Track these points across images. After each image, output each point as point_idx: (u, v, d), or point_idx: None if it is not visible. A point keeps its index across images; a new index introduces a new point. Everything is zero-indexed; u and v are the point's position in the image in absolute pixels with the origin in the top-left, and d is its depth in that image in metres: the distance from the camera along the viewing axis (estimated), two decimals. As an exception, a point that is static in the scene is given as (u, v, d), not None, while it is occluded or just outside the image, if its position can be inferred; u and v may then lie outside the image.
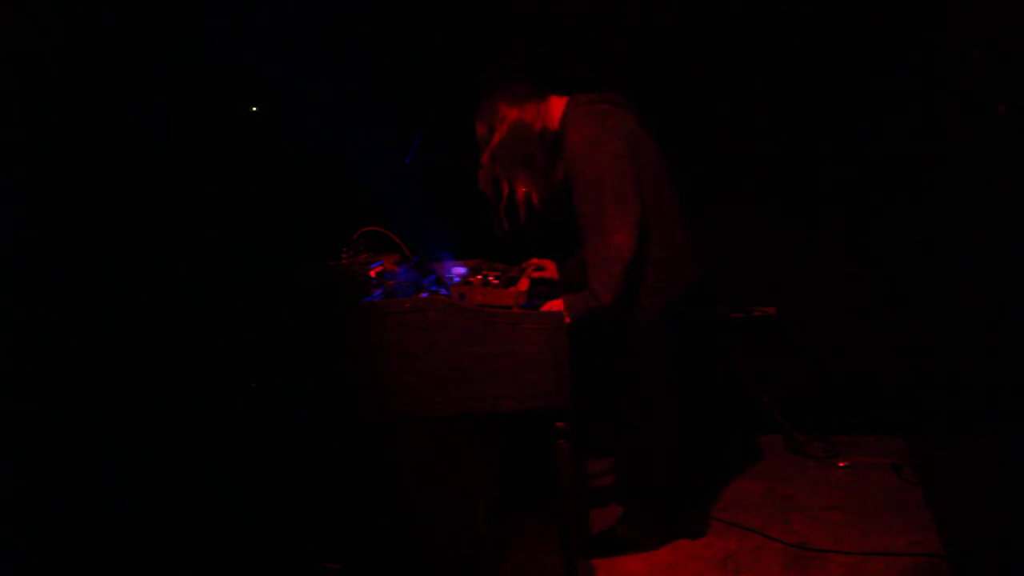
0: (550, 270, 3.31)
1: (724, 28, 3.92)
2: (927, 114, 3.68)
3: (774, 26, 3.87)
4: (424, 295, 2.86)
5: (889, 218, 3.88)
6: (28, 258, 2.66)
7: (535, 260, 3.32)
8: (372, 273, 2.91)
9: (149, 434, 2.96)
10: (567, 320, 2.72)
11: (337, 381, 2.73)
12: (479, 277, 3.07)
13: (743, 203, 4.04)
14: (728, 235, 4.03)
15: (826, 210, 3.97)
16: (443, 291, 3.01)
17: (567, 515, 2.81)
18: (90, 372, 2.81)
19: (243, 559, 2.93)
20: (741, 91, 3.96)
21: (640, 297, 2.96)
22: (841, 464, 3.72)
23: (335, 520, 2.87)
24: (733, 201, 4.05)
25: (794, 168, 3.98)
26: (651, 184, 2.95)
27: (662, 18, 3.92)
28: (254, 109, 3.79)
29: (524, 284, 3.14)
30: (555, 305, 2.89)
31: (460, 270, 3.22)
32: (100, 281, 2.88)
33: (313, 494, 2.86)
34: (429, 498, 2.82)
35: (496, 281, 3.04)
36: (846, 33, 3.81)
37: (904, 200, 3.84)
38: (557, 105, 3.02)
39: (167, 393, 3.03)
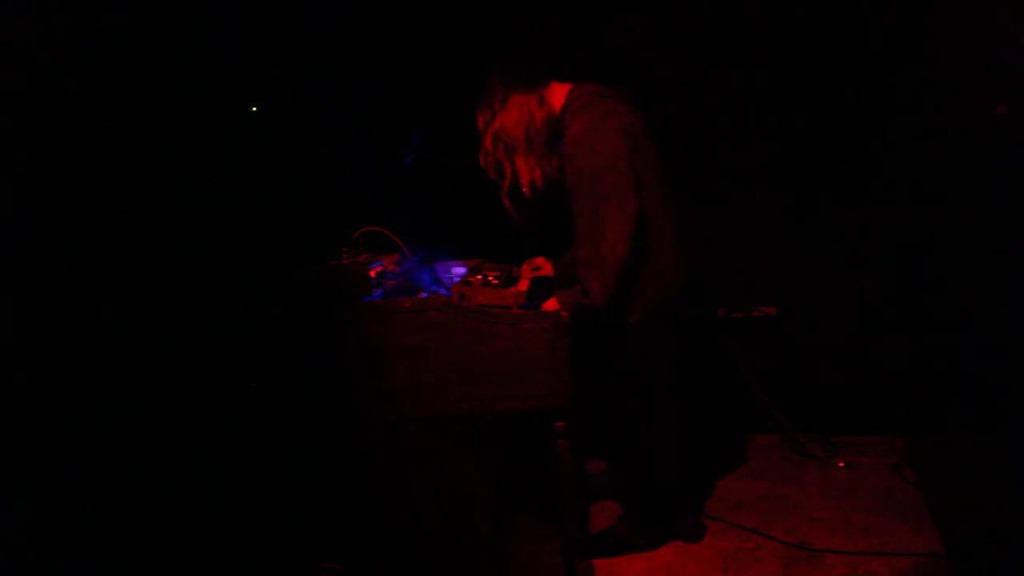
0: (546, 268, 3.31)
1: (724, 27, 3.92)
2: (927, 114, 3.68)
3: (775, 25, 3.87)
4: (424, 295, 2.86)
5: (889, 217, 3.88)
6: (28, 258, 2.66)
7: (529, 261, 3.31)
8: (372, 273, 2.91)
9: (149, 434, 2.96)
10: (565, 318, 2.71)
11: (337, 381, 2.73)
12: (479, 277, 3.07)
13: (744, 203, 4.04)
14: (728, 235, 4.03)
15: (826, 210, 3.97)
16: (443, 291, 3.00)
17: (567, 515, 2.81)
18: (90, 372, 2.81)
19: (243, 559, 2.93)
20: (741, 90, 3.96)
21: (632, 297, 2.95)
22: (841, 464, 3.72)
23: (335, 520, 2.87)
24: (733, 201, 4.05)
25: (794, 168, 3.98)
26: (648, 183, 2.95)
27: (662, 17, 3.92)
28: (254, 109, 3.79)
29: (524, 284, 3.14)
30: (551, 304, 2.89)
31: (460, 270, 3.22)
32: (100, 281, 2.88)
33: (313, 494, 2.86)
34: (429, 498, 2.82)
35: (496, 281, 3.03)
36: (847, 32, 3.81)
37: (904, 200, 3.84)
38: (559, 91, 3.02)
39: (167, 393, 3.03)
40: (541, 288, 3.19)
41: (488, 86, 3.00)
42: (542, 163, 2.98)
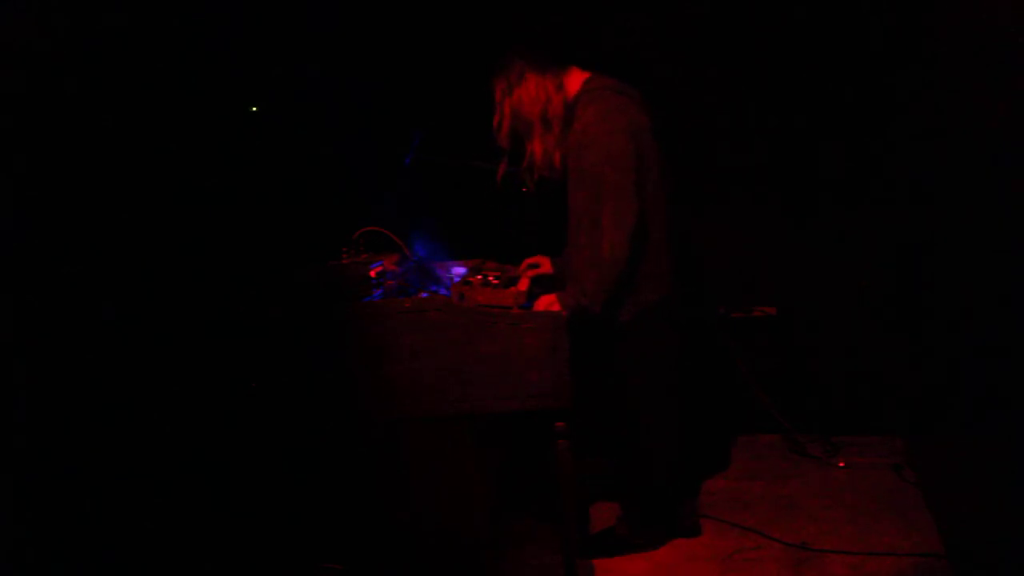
0: (545, 266, 3.30)
1: (724, 27, 3.92)
2: (927, 114, 3.68)
3: (775, 25, 3.87)
4: (424, 295, 2.86)
5: (889, 217, 3.87)
6: (28, 258, 2.66)
7: (528, 260, 3.32)
8: (372, 273, 2.91)
9: (149, 434, 2.96)
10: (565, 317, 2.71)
11: (337, 382, 2.73)
12: (479, 277, 3.07)
13: (743, 203, 4.04)
14: (729, 235, 4.03)
15: (826, 210, 3.97)
16: (443, 291, 3.00)
17: (567, 515, 2.81)
18: (90, 372, 2.81)
19: (243, 559, 2.92)
20: (741, 90, 3.96)
21: (630, 296, 2.95)
22: (841, 464, 3.72)
23: (335, 520, 2.87)
24: (733, 201, 4.05)
25: (794, 168, 3.98)
26: (650, 183, 2.95)
27: (662, 17, 3.92)
28: (254, 109, 3.79)
29: (524, 284, 3.14)
30: (546, 299, 2.89)
31: (460, 270, 3.22)
32: (100, 281, 2.88)
33: (313, 494, 2.86)
34: (429, 498, 2.82)
35: (496, 281, 3.04)
36: (847, 32, 3.81)
37: (904, 200, 3.84)
38: (577, 78, 3.02)
39: (167, 393, 3.03)
40: (541, 286, 3.19)
41: (506, 60, 3.00)
42: (560, 146, 2.99)
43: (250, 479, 2.96)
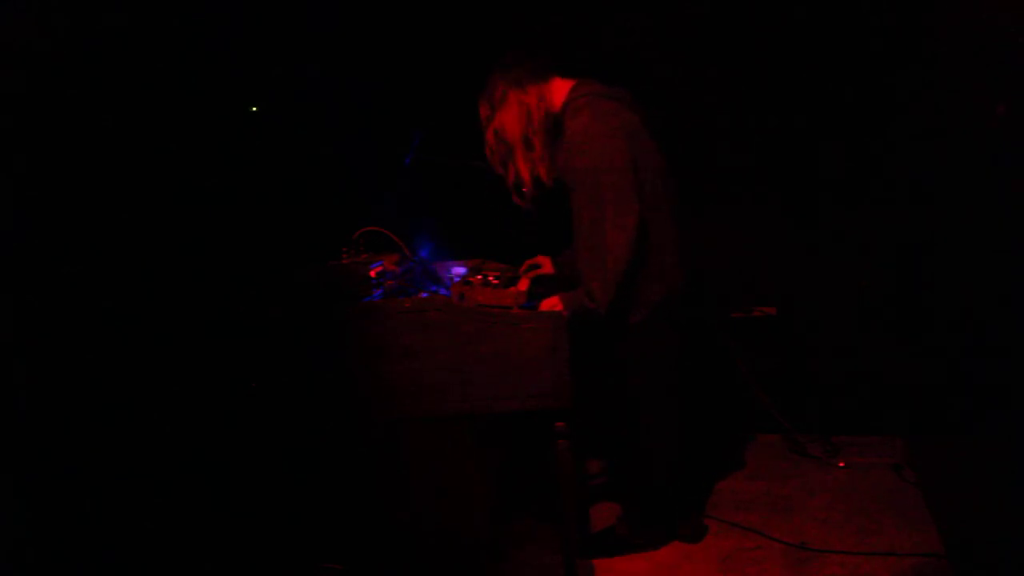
0: (546, 266, 3.30)
1: (724, 27, 3.92)
2: (927, 114, 3.68)
3: (775, 25, 3.87)
4: (424, 295, 2.86)
5: (889, 217, 3.88)
6: (28, 258, 2.66)
7: (529, 261, 3.32)
8: (372, 273, 2.91)
9: (149, 434, 2.97)
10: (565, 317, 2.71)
11: (337, 382, 2.73)
12: (479, 277, 3.07)
13: (743, 203, 4.04)
14: (729, 235, 4.03)
15: (826, 210, 3.97)
16: (443, 291, 3.00)
17: (567, 515, 2.81)
18: (90, 372, 2.81)
19: (243, 559, 2.93)
20: (741, 90, 3.96)
21: (634, 297, 2.95)
22: (841, 464, 3.72)
23: (335, 520, 2.87)
24: (733, 201, 4.05)
25: (794, 168, 3.98)
26: (649, 183, 2.94)
27: (662, 17, 3.93)
28: (254, 109, 3.80)
29: (524, 284, 3.14)
30: (550, 302, 2.89)
31: (460, 270, 3.22)
32: (100, 281, 2.88)
33: (313, 494, 2.86)
34: (429, 498, 2.82)
35: (496, 281, 3.04)
36: (847, 32, 3.81)
37: (904, 200, 3.84)
38: (561, 88, 3.00)
39: (167, 393, 3.03)
40: (542, 286, 3.19)
41: (489, 81, 3.00)
42: (544, 162, 2.98)
43: (250, 479, 2.96)
